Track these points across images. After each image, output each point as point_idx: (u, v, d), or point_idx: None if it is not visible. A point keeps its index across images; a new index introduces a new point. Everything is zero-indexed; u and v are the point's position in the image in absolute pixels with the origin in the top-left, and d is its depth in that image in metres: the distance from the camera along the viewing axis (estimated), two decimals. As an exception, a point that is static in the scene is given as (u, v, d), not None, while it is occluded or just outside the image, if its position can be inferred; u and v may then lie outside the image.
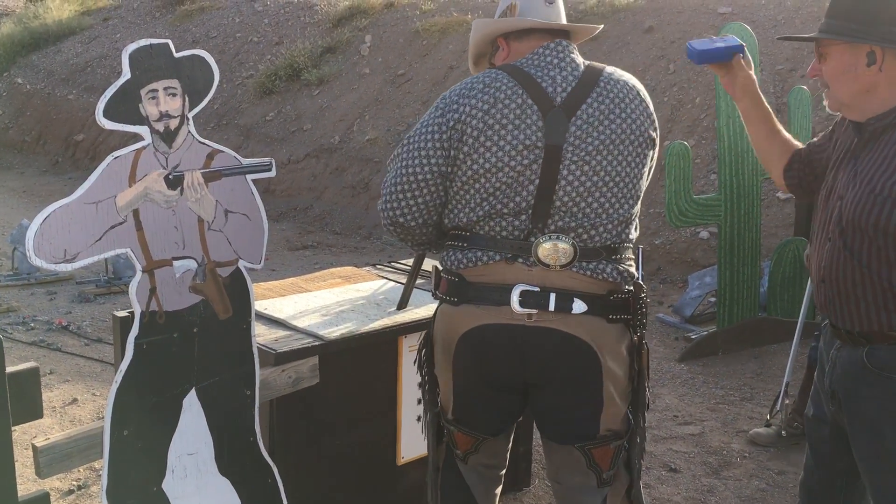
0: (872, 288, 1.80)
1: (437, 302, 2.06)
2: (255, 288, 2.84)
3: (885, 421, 1.82)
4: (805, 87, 4.98)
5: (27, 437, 3.43)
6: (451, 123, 1.91)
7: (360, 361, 2.56)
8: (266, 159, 2.19)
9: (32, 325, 5.26)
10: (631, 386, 2.00)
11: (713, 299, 5.21)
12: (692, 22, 8.54)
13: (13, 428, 1.87)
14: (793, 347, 3.86)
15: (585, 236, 1.90)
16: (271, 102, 10.83)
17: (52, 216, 1.82)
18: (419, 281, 3.07)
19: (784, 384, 3.72)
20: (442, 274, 2.02)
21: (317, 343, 2.43)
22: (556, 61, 1.94)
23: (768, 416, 3.76)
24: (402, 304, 2.74)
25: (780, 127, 2.22)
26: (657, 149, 2.03)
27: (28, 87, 13.81)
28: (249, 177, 2.15)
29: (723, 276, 4.71)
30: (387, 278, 3.16)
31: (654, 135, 1.99)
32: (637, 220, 2.02)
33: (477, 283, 1.93)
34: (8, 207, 9.39)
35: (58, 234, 1.82)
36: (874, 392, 1.83)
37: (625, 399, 1.99)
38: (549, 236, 1.88)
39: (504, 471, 2.24)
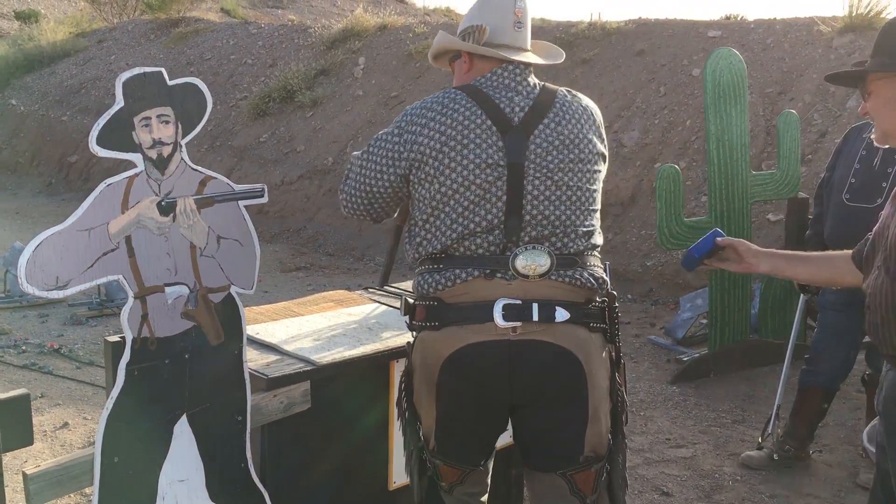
0: None
1: (413, 332, 2.07)
2: (247, 312, 2.84)
3: None
4: (793, 111, 5.03)
5: (18, 461, 3.41)
6: (409, 146, 1.99)
7: (351, 386, 2.56)
8: (258, 186, 2.20)
9: (24, 348, 5.24)
10: (611, 403, 2.02)
11: (704, 321, 5.23)
12: (682, 45, 8.63)
13: (3, 454, 1.87)
14: (783, 370, 3.88)
15: (559, 244, 1.95)
16: (265, 124, 10.88)
17: (45, 243, 1.82)
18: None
19: (775, 407, 3.73)
20: (417, 302, 2.02)
21: (308, 368, 2.42)
22: (513, 84, 2.01)
23: (760, 439, 3.76)
24: (384, 282, 2.78)
25: (811, 253, 2.20)
26: (607, 161, 2.14)
27: (22, 108, 13.84)
28: (242, 203, 2.17)
29: (714, 299, 4.73)
30: (378, 302, 3.16)
31: (604, 151, 2.09)
32: (599, 227, 2.08)
33: (457, 303, 1.94)
34: (1, 229, 9.37)
35: (50, 261, 1.83)
36: None
37: (606, 415, 2.00)
38: (525, 247, 1.92)
39: (486, 496, 2.24)
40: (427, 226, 1.99)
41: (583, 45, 9.08)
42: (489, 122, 1.95)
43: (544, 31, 9.62)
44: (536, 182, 1.94)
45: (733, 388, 4.63)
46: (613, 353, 2.02)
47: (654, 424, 4.12)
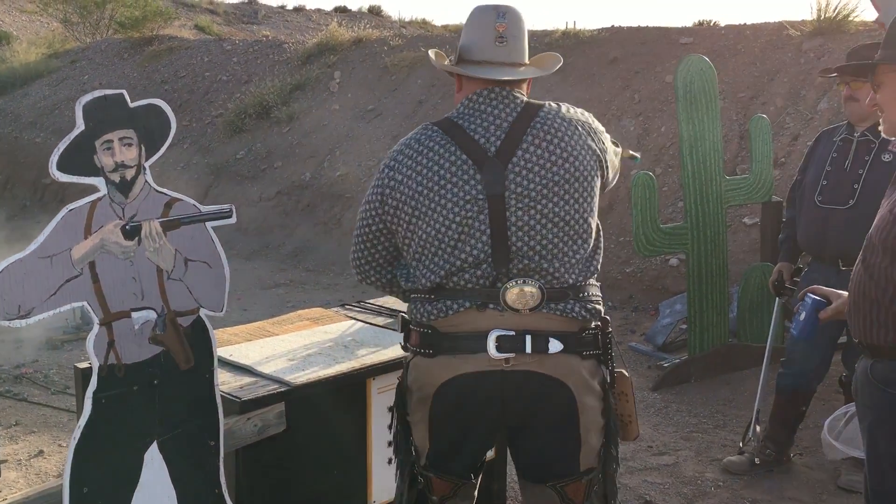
0: (878, 304, 1.91)
1: (409, 353, 2.05)
2: (221, 333, 2.81)
3: (878, 429, 1.95)
4: (764, 116, 5.07)
5: (-10, 492, 3.35)
6: (388, 191, 1.98)
7: (328, 405, 2.53)
8: (226, 206, 2.17)
9: (-2, 374, 5.16)
10: (604, 420, 2.01)
11: (685, 326, 5.24)
12: (655, 52, 8.69)
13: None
14: (762, 373, 3.89)
15: (550, 277, 1.91)
16: (241, 140, 10.82)
17: (6, 271, 1.79)
18: (384, 321, 3.07)
19: (755, 411, 3.74)
20: (412, 326, 2.02)
21: (283, 389, 2.39)
22: (489, 108, 1.96)
23: (741, 444, 3.76)
24: None
25: None
26: (605, 170, 2.04)
27: (-5, 131, 13.68)
28: (209, 224, 2.14)
29: (692, 304, 4.74)
30: (356, 318, 3.14)
31: (597, 166, 1.98)
32: (600, 253, 2.02)
33: (451, 332, 1.93)
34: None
35: (11, 289, 1.79)
36: (873, 401, 1.96)
37: (599, 433, 2.00)
38: (516, 281, 1.89)
39: None
40: (416, 265, 1.98)
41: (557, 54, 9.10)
42: (464, 157, 1.91)
43: (518, 41, 9.63)
44: (520, 213, 1.90)
45: (714, 392, 4.63)
46: (607, 375, 2.00)
47: (637, 432, 4.11)
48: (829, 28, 7.76)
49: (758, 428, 3.72)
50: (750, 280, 4.89)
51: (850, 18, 7.79)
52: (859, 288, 1.95)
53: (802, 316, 2.26)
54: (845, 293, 2.13)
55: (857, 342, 2.00)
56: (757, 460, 3.62)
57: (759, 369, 3.99)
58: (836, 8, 7.83)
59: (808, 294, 2.27)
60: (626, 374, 2.08)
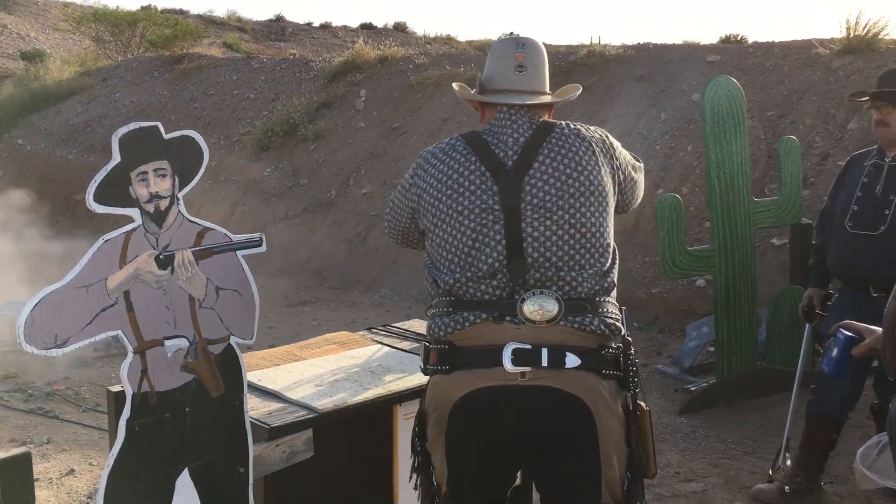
0: None
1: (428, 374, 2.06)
2: (250, 357, 2.84)
3: None
4: (793, 137, 5.03)
5: (22, 511, 3.39)
6: (415, 198, 2.09)
7: (355, 432, 2.54)
8: (256, 235, 2.20)
9: (30, 392, 5.23)
10: (628, 449, 1.99)
11: (712, 349, 5.19)
12: (682, 70, 8.67)
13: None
14: (792, 399, 3.84)
15: (567, 288, 1.93)
16: (268, 158, 10.94)
17: (43, 302, 1.82)
18: (410, 345, 3.08)
19: (785, 438, 3.69)
20: (431, 346, 2.03)
21: (311, 416, 2.40)
22: (508, 123, 2.04)
23: (770, 472, 3.71)
24: None
25: None
26: (628, 183, 2.13)
27: (28, 147, 13.96)
28: (240, 253, 2.17)
29: (720, 327, 4.69)
30: (381, 343, 3.15)
31: (613, 181, 2.05)
32: (615, 270, 2.03)
33: (467, 347, 1.94)
34: (6, 271, 9.39)
35: (49, 319, 1.82)
36: None
37: (622, 462, 1.97)
38: (533, 292, 1.90)
39: None
40: (440, 262, 2.03)
41: (582, 71, 9.13)
42: (483, 168, 1.99)
43: (544, 59, 9.67)
44: (536, 223, 1.94)
45: (743, 417, 4.58)
46: (630, 402, 1.98)
47: (664, 458, 4.08)
48: (859, 46, 7.69)
49: (788, 455, 3.67)
50: (781, 304, 4.84)
51: (881, 36, 7.73)
52: (894, 324, 1.93)
53: (834, 352, 2.22)
54: (878, 329, 2.09)
55: (893, 380, 1.97)
56: (787, 488, 3.57)
57: (790, 394, 3.94)
58: (865, 26, 7.77)
59: (841, 330, 2.24)
60: (645, 406, 2.03)
